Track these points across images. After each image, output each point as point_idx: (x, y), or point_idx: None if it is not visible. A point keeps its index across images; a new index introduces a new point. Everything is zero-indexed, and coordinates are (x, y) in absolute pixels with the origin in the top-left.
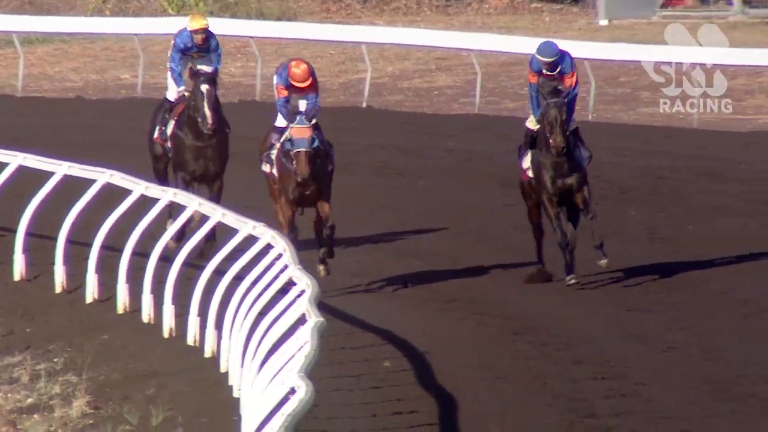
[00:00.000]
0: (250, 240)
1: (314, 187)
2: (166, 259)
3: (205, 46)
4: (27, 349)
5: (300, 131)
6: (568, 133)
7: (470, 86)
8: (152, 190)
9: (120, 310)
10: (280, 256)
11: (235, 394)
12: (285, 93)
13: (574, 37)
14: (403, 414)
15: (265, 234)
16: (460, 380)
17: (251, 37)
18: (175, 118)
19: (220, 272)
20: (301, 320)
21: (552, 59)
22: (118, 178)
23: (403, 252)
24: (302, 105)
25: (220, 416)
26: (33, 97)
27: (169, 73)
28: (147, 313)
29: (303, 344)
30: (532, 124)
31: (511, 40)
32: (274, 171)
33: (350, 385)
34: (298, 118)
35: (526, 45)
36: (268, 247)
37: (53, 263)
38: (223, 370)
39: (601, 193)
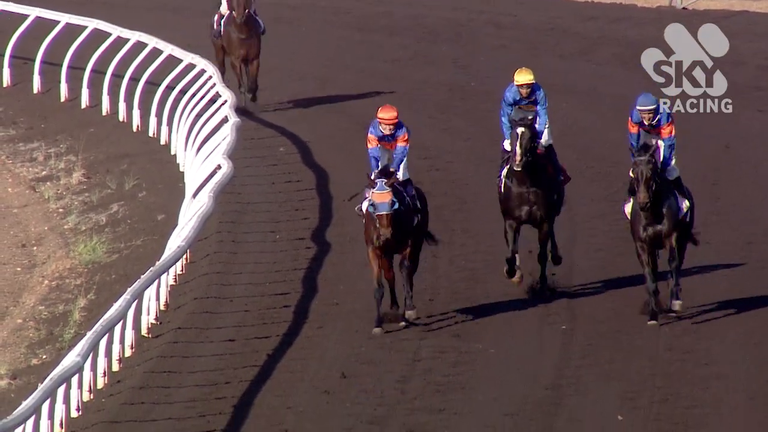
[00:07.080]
0: (190, 66)
1: (398, 241)
2: (135, 78)
3: (531, 98)
4: (42, 138)
5: (381, 196)
6: (655, 187)
7: None
8: (125, 33)
9: (104, 113)
10: (210, 77)
11: (181, 169)
12: (375, 143)
13: None
14: (292, 182)
15: (200, 62)
16: (330, 161)
17: None
18: (506, 165)
19: (170, 87)
20: (225, 120)
21: (650, 107)
22: (104, 25)
23: (295, 74)
24: (390, 157)
25: (171, 183)
26: None
27: (501, 125)
28: (122, 115)
29: (225, 136)
30: (632, 173)
31: None
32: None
33: (256, 163)
34: (378, 183)
35: None
36: (202, 72)
37: (59, 81)
38: (173, 153)
39: (420, 37)
